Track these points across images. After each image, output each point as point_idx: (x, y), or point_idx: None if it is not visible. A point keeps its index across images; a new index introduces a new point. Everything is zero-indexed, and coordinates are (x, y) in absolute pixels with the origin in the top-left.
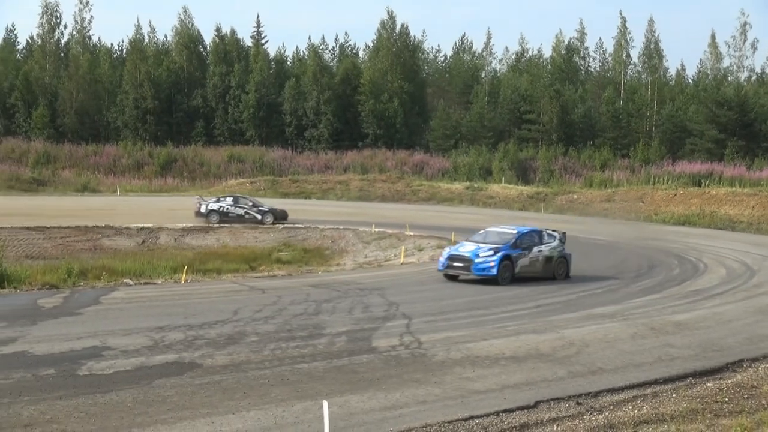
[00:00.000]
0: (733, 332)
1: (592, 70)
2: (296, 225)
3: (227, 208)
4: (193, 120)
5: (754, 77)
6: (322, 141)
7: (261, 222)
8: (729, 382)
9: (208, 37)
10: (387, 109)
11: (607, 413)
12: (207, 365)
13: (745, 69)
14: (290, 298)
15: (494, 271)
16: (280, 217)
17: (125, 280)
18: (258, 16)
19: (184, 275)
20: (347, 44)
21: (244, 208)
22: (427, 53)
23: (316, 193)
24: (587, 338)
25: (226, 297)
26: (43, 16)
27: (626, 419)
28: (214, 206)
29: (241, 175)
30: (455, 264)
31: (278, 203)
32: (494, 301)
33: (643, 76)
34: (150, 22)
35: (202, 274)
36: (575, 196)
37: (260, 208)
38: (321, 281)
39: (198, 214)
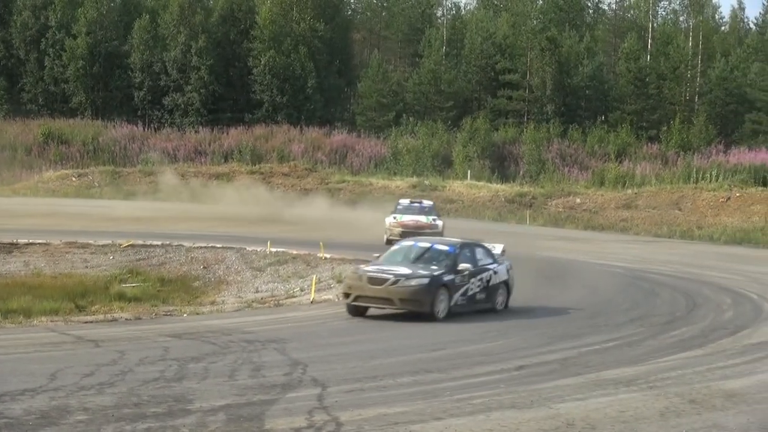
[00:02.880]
0: None
1: (606, 8)
2: (149, 242)
3: None
4: None
5: None
6: (192, 113)
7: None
8: None
9: None
10: (292, 65)
11: None
12: None
13: None
14: (139, 355)
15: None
16: None
17: None
18: None
19: None
20: None
21: None
22: None
23: (182, 193)
24: (593, 416)
25: (39, 353)
26: None
27: None
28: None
29: (63, 163)
30: None
31: (122, 206)
32: (454, 360)
33: (681, 19)
34: None
35: (0, 316)
36: (578, 200)
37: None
38: (187, 329)
39: None
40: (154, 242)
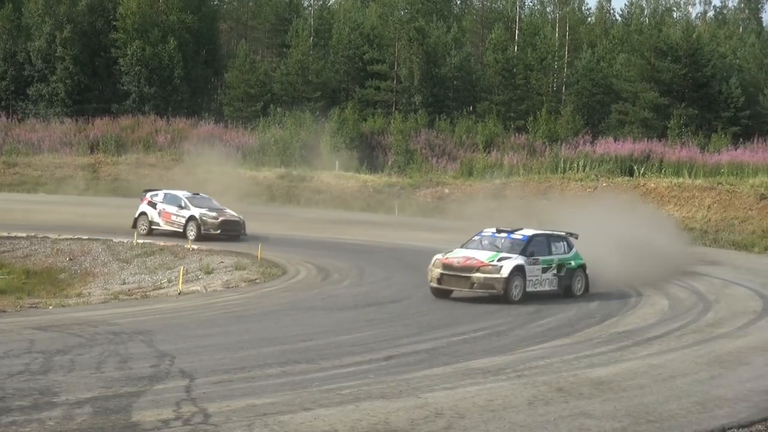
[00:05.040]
0: (677, 394)
1: None
2: (14, 234)
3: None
4: None
5: (710, 13)
6: (57, 103)
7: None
8: None
9: None
10: (159, 55)
11: None
12: None
13: (697, 1)
14: (3, 348)
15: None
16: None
17: None
18: None
19: None
20: None
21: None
22: None
23: (47, 184)
24: (462, 405)
25: None
26: None
27: None
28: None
29: None
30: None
31: None
32: (322, 350)
33: (548, 10)
34: None
35: None
36: (446, 191)
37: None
38: (53, 321)
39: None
40: (19, 234)
